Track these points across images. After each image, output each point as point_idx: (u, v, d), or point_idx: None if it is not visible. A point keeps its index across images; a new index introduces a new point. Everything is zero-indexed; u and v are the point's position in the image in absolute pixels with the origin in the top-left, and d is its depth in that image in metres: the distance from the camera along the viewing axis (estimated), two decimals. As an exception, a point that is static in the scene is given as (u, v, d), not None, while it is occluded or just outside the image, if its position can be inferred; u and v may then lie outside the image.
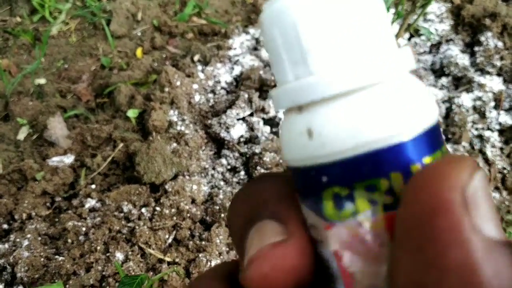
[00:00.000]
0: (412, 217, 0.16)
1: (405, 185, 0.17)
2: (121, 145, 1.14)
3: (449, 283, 0.15)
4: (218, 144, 1.19)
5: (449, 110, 1.26)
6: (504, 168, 1.17)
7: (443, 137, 0.20)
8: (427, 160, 0.18)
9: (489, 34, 1.36)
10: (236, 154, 1.14)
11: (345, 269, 0.18)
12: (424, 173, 0.16)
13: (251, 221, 0.21)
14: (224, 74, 1.33)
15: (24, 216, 1.02)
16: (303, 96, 0.18)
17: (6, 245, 0.93)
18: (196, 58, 1.41)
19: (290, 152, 0.19)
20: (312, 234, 0.19)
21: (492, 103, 1.25)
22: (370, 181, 0.17)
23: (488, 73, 1.31)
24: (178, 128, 1.15)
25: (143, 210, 1.01)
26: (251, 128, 1.16)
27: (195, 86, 1.27)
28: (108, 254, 0.91)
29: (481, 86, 1.26)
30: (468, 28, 1.44)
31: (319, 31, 0.18)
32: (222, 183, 1.10)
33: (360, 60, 0.18)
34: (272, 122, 1.19)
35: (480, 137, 1.21)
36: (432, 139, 0.18)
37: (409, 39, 1.44)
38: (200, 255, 0.91)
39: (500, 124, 1.22)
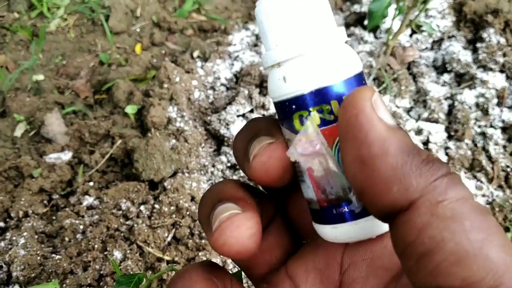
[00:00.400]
0: (345, 121, 0.26)
1: (340, 107, 0.27)
2: (119, 141, 1.13)
3: (372, 152, 0.24)
4: (218, 141, 1.18)
5: (451, 107, 1.24)
6: (508, 166, 1.15)
7: (366, 80, 0.32)
8: None
9: (492, 30, 1.34)
10: (236, 151, 1.12)
11: (304, 163, 0.30)
12: (348, 97, 0.26)
13: (251, 138, 0.31)
14: (224, 70, 1.31)
15: (21, 213, 1.00)
16: (280, 57, 0.30)
17: (2, 244, 0.92)
18: (195, 54, 1.39)
19: (274, 92, 0.31)
20: (288, 144, 0.30)
21: (495, 100, 1.23)
22: (319, 106, 0.29)
23: (491, 69, 1.29)
24: (177, 124, 1.14)
25: (142, 207, 0.99)
26: (251, 125, 1.15)
27: (195, 82, 1.25)
28: (106, 253, 0.89)
29: (483, 82, 1.25)
30: (470, 24, 1.42)
31: (278, 20, 0.30)
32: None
33: (309, 36, 0.29)
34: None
35: (483, 134, 1.20)
36: (357, 81, 0.30)
37: (411, 35, 1.43)
38: (199, 253, 0.90)
39: (503, 121, 1.21)
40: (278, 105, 0.31)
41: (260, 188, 0.36)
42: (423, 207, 0.23)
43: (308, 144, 0.29)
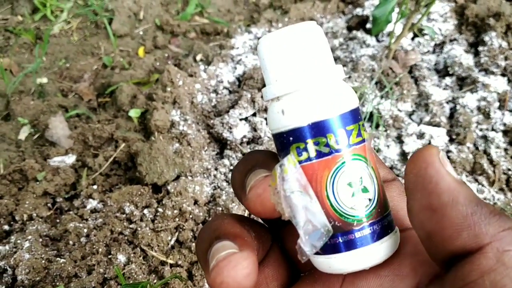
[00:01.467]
0: (414, 173, 0.29)
1: (408, 160, 0.30)
2: (123, 145, 1.13)
3: (442, 200, 0.27)
4: (221, 145, 1.18)
5: (453, 111, 1.25)
6: (509, 169, 1.16)
7: (361, 116, 0.33)
8: (350, 127, 0.31)
9: (493, 34, 1.35)
10: (239, 155, 1.13)
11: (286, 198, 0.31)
12: (416, 152, 0.29)
13: (248, 171, 0.32)
14: (227, 74, 1.32)
15: (25, 217, 1.01)
16: (279, 91, 0.31)
17: (7, 247, 0.92)
18: (198, 57, 1.40)
19: (273, 124, 0.32)
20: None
21: (497, 104, 1.24)
22: (315, 139, 0.30)
23: (493, 73, 1.29)
24: (181, 128, 1.14)
25: (145, 211, 1.00)
26: (254, 128, 1.15)
27: (198, 85, 1.26)
28: (110, 256, 0.90)
29: (485, 86, 1.25)
30: (472, 27, 1.42)
31: (277, 58, 0.32)
32: (224, 183, 1.09)
33: (307, 73, 0.31)
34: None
35: (485, 137, 1.20)
36: (352, 116, 0.31)
37: (413, 38, 1.43)
38: (202, 257, 0.90)
39: (504, 124, 1.21)
40: (277, 136, 0.32)
41: (259, 219, 0.37)
42: (491, 252, 0.25)
43: (285, 181, 0.30)
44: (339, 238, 0.31)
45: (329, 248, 0.32)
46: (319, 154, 0.30)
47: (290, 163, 0.31)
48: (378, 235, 0.32)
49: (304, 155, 0.31)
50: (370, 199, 0.31)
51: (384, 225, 0.32)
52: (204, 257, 0.30)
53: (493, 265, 0.25)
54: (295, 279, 0.36)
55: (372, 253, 0.31)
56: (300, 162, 0.31)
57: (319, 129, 0.30)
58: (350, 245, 0.31)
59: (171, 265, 0.90)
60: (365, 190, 0.31)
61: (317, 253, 0.32)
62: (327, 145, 0.30)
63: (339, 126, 0.30)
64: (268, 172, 0.31)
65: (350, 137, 0.31)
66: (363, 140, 0.32)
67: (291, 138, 0.31)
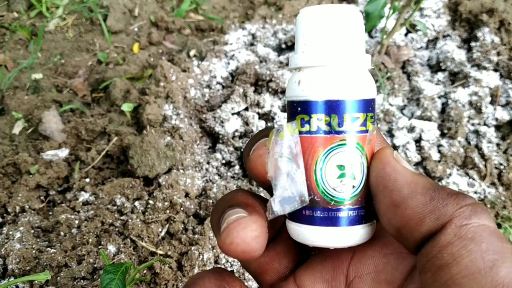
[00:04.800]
0: (374, 176, 0.31)
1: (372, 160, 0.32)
2: (115, 138, 1.14)
3: (403, 195, 0.29)
4: (213, 139, 1.19)
5: (445, 105, 1.25)
6: (501, 164, 1.16)
7: (373, 108, 0.33)
8: (356, 115, 0.32)
9: (486, 29, 1.35)
10: (231, 149, 1.14)
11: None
12: (373, 159, 0.32)
13: (256, 139, 0.35)
14: (220, 69, 1.33)
15: (18, 209, 1.02)
16: (303, 62, 0.32)
17: (-1, 238, 0.93)
18: (192, 53, 1.41)
19: (288, 92, 0.34)
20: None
21: (489, 99, 1.24)
22: (320, 115, 0.31)
23: (485, 68, 1.30)
24: (173, 122, 1.15)
25: (136, 203, 1.00)
26: (246, 123, 1.16)
27: (191, 80, 1.27)
28: (100, 247, 0.91)
29: (477, 81, 1.26)
30: (465, 23, 1.43)
31: (311, 31, 0.33)
32: (216, 177, 1.10)
33: (334, 51, 0.32)
34: (267, 117, 1.19)
35: (476, 132, 1.21)
36: (362, 106, 0.32)
37: (406, 34, 1.44)
38: (192, 248, 0.91)
39: (496, 119, 1.21)
40: (289, 104, 0.33)
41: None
42: (449, 228, 0.27)
43: (277, 144, 0.32)
44: (315, 212, 0.32)
45: (304, 218, 0.33)
46: (319, 130, 0.31)
47: (288, 129, 0.32)
48: (352, 221, 0.32)
49: (306, 127, 0.32)
50: (354, 186, 0.32)
51: (360, 214, 0.33)
52: (217, 225, 0.32)
53: (451, 239, 0.27)
54: (305, 257, 0.38)
55: (341, 235, 0.32)
56: (301, 132, 0.32)
57: (327, 108, 0.31)
58: (323, 221, 0.32)
59: (162, 256, 0.91)
60: (352, 176, 0.32)
61: (292, 220, 0.34)
62: (329, 124, 0.31)
63: (346, 111, 0.31)
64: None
65: (353, 123, 0.32)
66: (366, 131, 0.32)
67: (299, 109, 0.32)
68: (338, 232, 0.32)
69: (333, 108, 0.31)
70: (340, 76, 0.31)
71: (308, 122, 0.32)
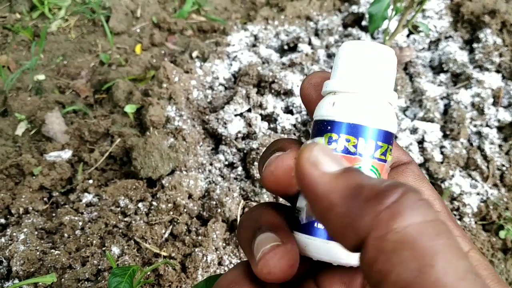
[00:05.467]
0: (300, 187, 0.28)
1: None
2: (118, 140, 1.14)
3: (322, 207, 0.26)
4: (216, 140, 1.19)
5: (447, 107, 1.26)
6: (503, 165, 1.16)
7: (393, 142, 0.35)
8: (380, 143, 0.34)
9: (488, 31, 1.35)
10: (234, 150, 1.14)
11: None
12: (296, 159, 0.29)
13: (270, 152, 0.35)
14: (223, 70, 1.33)
15: (21, 210, 1.02)
16: (339, 87, 0.35)
17: (3, 239, 0.93)
18: (194, 54, 1.41)
19: (319, 111, 0.35)
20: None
21: (491, 100, 1.24)
22: (348, 136, 0.33)
23: (487, 69, 1.30)
24: (176, 123, 1.15)
25: (140, 205, 1.01)
26: (248, 124, 1.16)
27: (193, 82, 1.27)
28: (104, 248, 0.91)
29: (479, 82, 1.26)
30: (468, 25, 1.43)
31: (351, 62, 0.35)
32: (219, 178, 1.10)
33: (368, 83, 0.34)
34: (269, 118, 1.19)
35: (479, 133, 1.21)
36: (386, 137, 0.34)
37: (408, 35, 1.44)
38: (196, 249, 0.91)
39: (499, 121, 1.22)
40: (318, 122, 0.35)
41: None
42: (369, 244, 0.24)
43: None
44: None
45: (314, 231, 0.34)
46: (345, 150, 0.33)
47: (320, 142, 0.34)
48: None
49: (333, 145, 0.34)
50: None
51: None
52: (247, 247, 0.33)
53: (375, 255, 0.24)
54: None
55: (348, 255, 0.32)
56: None
57: (355, 131, 0.33)
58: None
59: (165, 257, 0.91)
60: None
61: (301, 231, 0.34)
62: (355, 146, 0.33)
63: (372, 137, 0.34)
64: (279, 152, 0.34)
65: (376, 150, 0.34)
66: (385, 161, 0.34)
67: (328, 127, 0.34)
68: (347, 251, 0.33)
69: (362, 132, 0.33)
70: (371, 104, 0.34)
71: (336, 141, 0.34)
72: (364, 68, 0.35)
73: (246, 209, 1.01)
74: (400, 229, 0.23)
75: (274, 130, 1.17)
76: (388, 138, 0.34)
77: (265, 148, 0.37)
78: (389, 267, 0.23)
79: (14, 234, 0.93)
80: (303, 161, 0.28)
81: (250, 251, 0.32)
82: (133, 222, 0.96)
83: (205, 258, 0.90)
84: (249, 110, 1.20)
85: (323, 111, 0.35)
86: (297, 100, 1.20)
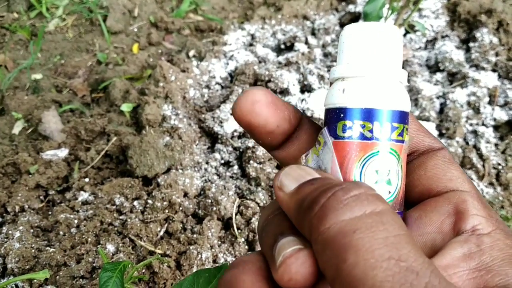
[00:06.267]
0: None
1: None
2: (114, 138, 1.14)
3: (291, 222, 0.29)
4: (212, 139, 1.20)
5: (443, 106, 1.26)
6: (499, 164, 1.17)
7: (408, 121, 0.35)
8: (396, 124, 0.33)
9: (485, 30, 1.36)
10: (230, 149, 1.14)
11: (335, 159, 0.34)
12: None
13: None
14: (219, 69, 1.33)
15: (17, 208, 1.02)
16: (347, 73, 0.34)
17: (-2, 237, 0.94)
18: (191, 53, 1.41)
19: (330, 99, 0.35)
20: (326, 142, 0.35)
21: (487, 99, 1.25)
22: (362, 122, 0.33)
23: (483, 68, 1.30)
24: (172, 122, 1.15)
25: (135, 203, 1.01)
26: (244, 123, 1.16)
27: (190, 81, 1.27)
28: (99, 246, 0.91)
29: (475, 81, 1.26)
30: (464, 24, 1.43)
31: (356, 45, 0.35)
32: (215, 177, 1.10)
33: (376, 64, 0.34)
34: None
35: (475, 132, 1.21)
36: (401, 117, 0.33)
37: (404, 35, 1.44)
38: (191, 247, 0.91)
39: (494, 119, 1.22)
40: (330, 111, 0.35)
41: None
42: (315, 250, 0.27)
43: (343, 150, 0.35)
44: None
45: None
46: (361, 136, 0.33)
47: (313, 152, 0.35)
48: None
49: (348, 133, 0.33)
50: (390, 192, 0.33)
51: None
52: (269, 252, 0.31)
53: (316, 257, 0.26)
54: None
55: None
56: (342, 137, 0.33)
57: (369, 115, 0.33)
58: None
59: (160, 255, 0.91)
60: (388, 182, 0.33)
61: None
62: (371, 131, 0.33)
63: (387, 120, 0.33)
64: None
65: (393, 132, 0.33)
66: (403, 141, 0.34)
67: (341, 115, 0.33)
68: None
69: (375, 116, 0.33)
70: (383, 86, 0.33)
71: (351, 128, 0.33)
72: (369, 50, 0.34)
73: (242, 208, 1.01)
74: (324, 231, 0.26)
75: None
76: (403, 118, 0.34)
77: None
78: (322, 266, 0.26)
79: (10, 232, 0.94)
80: (274, 188, 0.31)
81: (272, 256, 0.31)
82: (129, 220, 0.96)
83: (200, 255, 0.90)
84: (245, 109, 1.20)
85: (333, 98, 0.34)
86: (293, 99, 1.20)
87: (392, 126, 0.33)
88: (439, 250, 0.31)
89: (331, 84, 0.36)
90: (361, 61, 0.34)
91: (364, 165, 0.33)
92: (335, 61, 1.36)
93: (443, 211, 0.33)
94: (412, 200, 0.36)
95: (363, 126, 0.33)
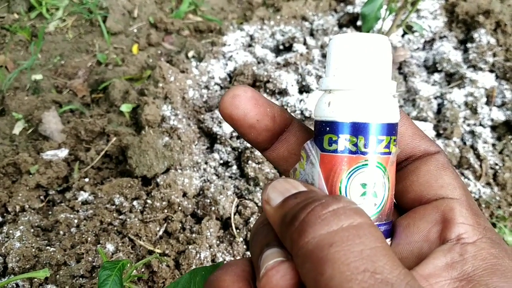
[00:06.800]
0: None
1: None
2: (114, 139, 1.15)
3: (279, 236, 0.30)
4: (211, 139, 1.20)
5: (441, 106, 1.27)
6: (496, 164, 1.17)
7: (396, 132, 0.35)
8: (381, 137, 0.33)
9: (483, 30, 1.36)
10: (229, 149, 1.15)
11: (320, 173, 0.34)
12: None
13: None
14: (218, 70, 1.34)
15: (18, 208, 1.03)
16: (333, 85, 0.34)
17: (-1, 237, 0.94)
18: (190, 54, 1.42)
19: (317, 112, 0.35)
20: (308, 156, 0.35)
21: (484, 99, 1.25)
22: (348, 136, 0.33)
23: (481, 69, 1.31)
24: (171, 122, 1.16)
25: (135, 203, 1.02)
26: (243, 123, 1.17)
27: (189, 81, 1.28)
28: (99, 245, 0.92)
29: (473, 82, 1.27)
30: (462, 25, 1.44)
31: (343, 57, 0.34)
32: (214, 177, 1.11)
33: (363, 77, 0.34)
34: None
35: (472, 133, 1.22)
36: (387, 129, 0.33)
37: (403, 35, 1.45)
38: (190, 247, 0.92)
39: (492, 120, 1.22)
40: (317, 123, 0.35)
41: None
42: (294, 260, 0.28)
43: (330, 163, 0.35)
44: None
45: None
46: (347, 150, 0.33)
47: (299, 167, 0.36)
48: None
49: (334, 146, 0.33)
50: (375, 204, 0.34)
51: (381, 231, 0.34)
52: (256, 261, 0.32)
53: (298, 271, 0.27)
54: None
55: None
56: (328, 151, 0.34)
57: (355, 129, 0.33)
58: None
59: (159, 254, 0.92)
60: (374, 194, 0.33)
61: None
62: (355, 145, 0.33)
63: (372, 133, 0.33)
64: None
65: (378, 145, 0.33)
66: (389, 153, 0.34)
67: (327, 128, 0.34)
68: None
69: (360, 130, 0.33)
70: (368, 100, 0.33)
71: (336, 141, 0.33)
72: (355, 63, 0.34)
73: (240, 207, 1.02)
74: (303, 245, 0.26)
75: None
76: (389, 130, 0.34)
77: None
78: (303, 279, 0.26)
79: (11, 231, 0.95)
80: (262, 201, 0.32)
81: (258, 266, 0.31)
82: (128, 219, 0.97)
83: (198, 255, 0.91)
84: (244, 109, 1.21)
85: (320, 111, 0.35)
86: (291, 100, 1.21)
87: (377, 139, 0.33)
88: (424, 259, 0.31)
89: None
90: (347, 74, 0.34)
91: (349, 178, 0.33)
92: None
93: (431, 219, 0.33)
94: (405, 206, 0.37)
95: (349, 140, 0.33)
